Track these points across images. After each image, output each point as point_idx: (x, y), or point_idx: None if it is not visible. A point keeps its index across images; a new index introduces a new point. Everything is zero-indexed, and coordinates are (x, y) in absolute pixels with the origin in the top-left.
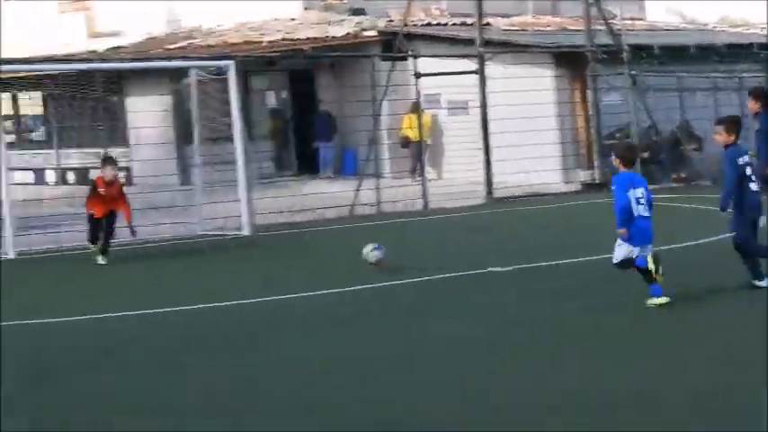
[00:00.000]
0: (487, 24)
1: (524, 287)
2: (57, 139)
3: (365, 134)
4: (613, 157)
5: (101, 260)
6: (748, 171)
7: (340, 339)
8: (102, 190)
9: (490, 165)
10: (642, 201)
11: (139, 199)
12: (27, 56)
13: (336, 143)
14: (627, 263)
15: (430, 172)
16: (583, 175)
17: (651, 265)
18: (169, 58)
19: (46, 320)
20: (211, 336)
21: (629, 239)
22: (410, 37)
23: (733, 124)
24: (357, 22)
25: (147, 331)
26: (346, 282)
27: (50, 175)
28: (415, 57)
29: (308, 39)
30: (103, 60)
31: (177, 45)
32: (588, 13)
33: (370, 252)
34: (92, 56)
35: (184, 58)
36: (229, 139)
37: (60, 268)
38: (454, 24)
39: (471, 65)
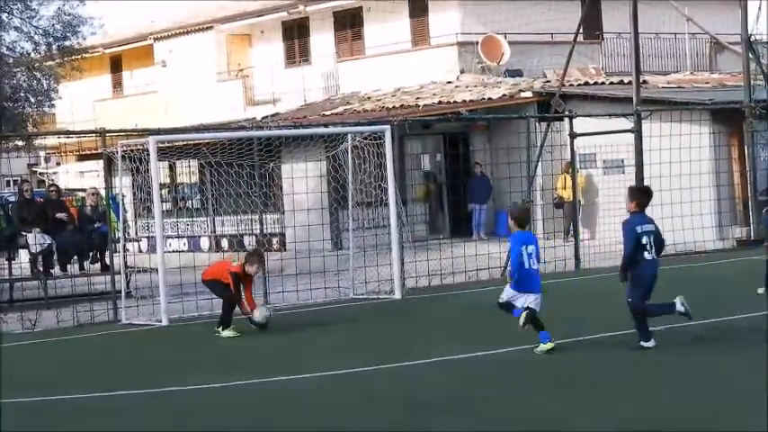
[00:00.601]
0: (645, 82)
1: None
2: (211, 206)
3: (518, 195)
4: (509, 220)
5: (228, 333)
6: (644, 240)
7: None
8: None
9: None
10: (533, 255)
11: (292, 264)
12: (185, 125)
13: (489, 205)
14: (508, 306)
15: (583, 232)
16: (738, 232)
17: (522, 319)
18: (326, 125)
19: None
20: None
21: (517, 285)
22: (566, 97)
23: (638, 194)
24: (513, 84)
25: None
26: (509, 341)
27: (204, 242)
28: (572, 117)
29: (463, 101)
30: (260, 128)
31: (334, 111)
32: (747, 69)
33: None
34: (249, 123)
35: (342, 123)
36: (383, 203)
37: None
38: (611, 83)
39: (627, 123)
